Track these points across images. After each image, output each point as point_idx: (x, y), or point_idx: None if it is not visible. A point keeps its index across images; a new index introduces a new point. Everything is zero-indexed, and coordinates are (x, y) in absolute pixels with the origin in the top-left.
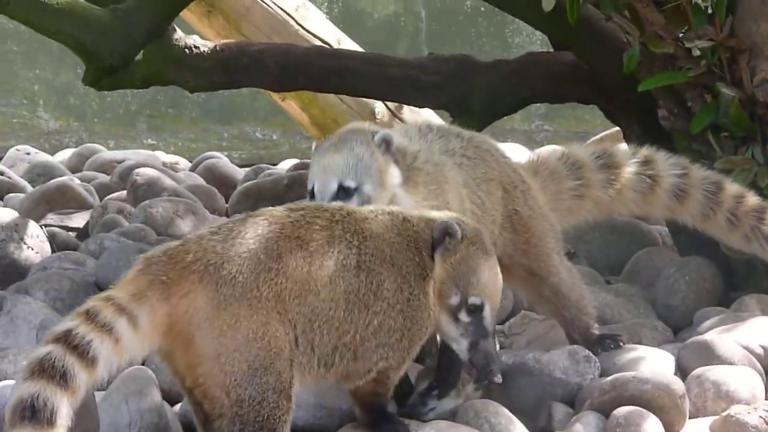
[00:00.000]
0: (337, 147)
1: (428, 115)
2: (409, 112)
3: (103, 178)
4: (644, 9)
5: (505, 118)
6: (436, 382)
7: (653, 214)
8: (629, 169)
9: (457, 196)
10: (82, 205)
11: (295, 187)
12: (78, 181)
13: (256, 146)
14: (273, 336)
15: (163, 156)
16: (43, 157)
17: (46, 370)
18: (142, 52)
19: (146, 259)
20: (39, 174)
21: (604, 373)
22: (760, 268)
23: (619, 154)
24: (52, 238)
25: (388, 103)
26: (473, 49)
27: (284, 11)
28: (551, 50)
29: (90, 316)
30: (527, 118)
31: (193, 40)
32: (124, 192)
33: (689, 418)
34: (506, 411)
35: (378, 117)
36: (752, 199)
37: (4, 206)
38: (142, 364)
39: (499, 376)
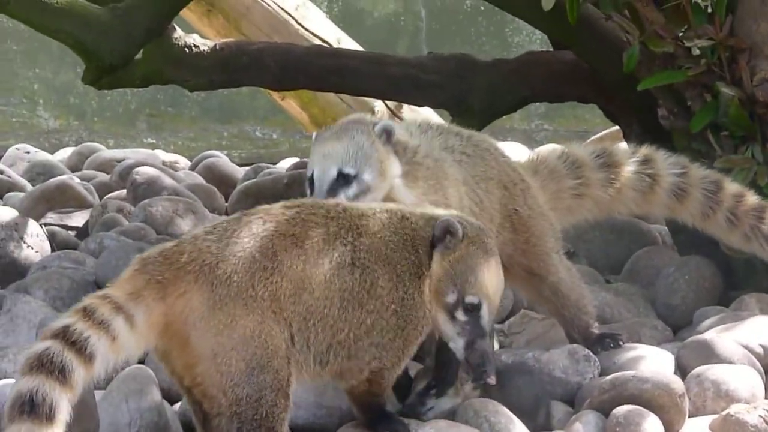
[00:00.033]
0: (337, 135)
1: (428, 114)
2: (408, 111)
3: (102, 177)
4: (644, 8)
5: (504, 117)
6: (435, 381)
7: (653, 213)
8: (629, 168)
9: (456, 192)
10: (81, 204)
11: (294, 186)
12: (78, 180)
13: (256, 145)
14: (269, 334)
15: (162, 155)
16: (43, 156)
17: (44, 365)
18: (141, 51)
19: (142, 260)
20: (39, 173)
21: (603, 372)
22: (760, 268)
23: (619, 153)
24: (51, 237)
25: (388, 102)
26: (473, 49)
27: (284, 10)
28: (551, 49)
29: (87, 313)
30: (527, 118)
31: (193, 39)
32: (124, 191)
33: (689, 417)
34: (506, 410)
35: (377, 116)
36: (752, 198)
37: (4, 205)
38: (142, 363)
39: (494, 377)
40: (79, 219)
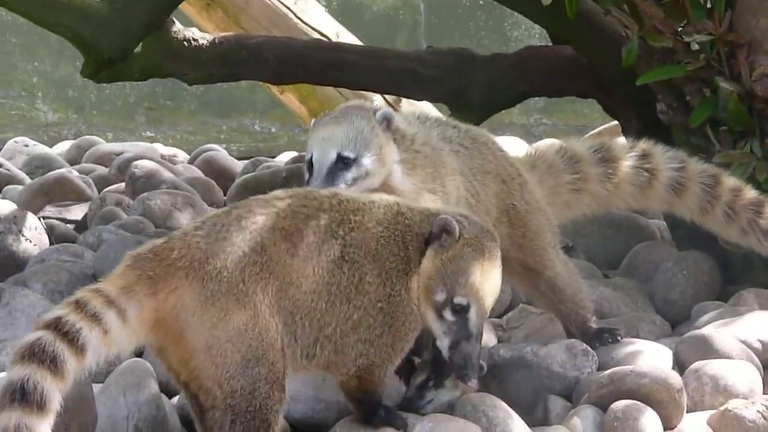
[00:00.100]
0: (337, 120)
1: (426, 108)
2: (407, 105)
3: (101, 170)
4: (643, 3)
5: (503, 111)
6: (432, 374)
7: (651, 207)
8: (627, 163)
9: (453, 182)
10: (80, 197)
11: (293, 180)
12: (76, 174)
13: (255, 139)
14: (264, 327)
15: (161, 148)
16: (42, 149)
17: (36, 354)
18: (140, 44)
19: (134, 256)
20: (37, 166)
21: (601, 367)
22: (758, 262)
23: (617, 148)
24: (50, 231)
25: (387, 96)
26: (472, 43)
27: (283, 4)
28: (550, 44)
29: (80, 306)
30: (526, 112)
31: (192, 32)
32: (123, 184)
33: (687, 412)
34: (504, 404)
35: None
36: (750, 192)
37: (3, 198)
38: (140, 356)
39: (475, 380)
40: (77, 212)
